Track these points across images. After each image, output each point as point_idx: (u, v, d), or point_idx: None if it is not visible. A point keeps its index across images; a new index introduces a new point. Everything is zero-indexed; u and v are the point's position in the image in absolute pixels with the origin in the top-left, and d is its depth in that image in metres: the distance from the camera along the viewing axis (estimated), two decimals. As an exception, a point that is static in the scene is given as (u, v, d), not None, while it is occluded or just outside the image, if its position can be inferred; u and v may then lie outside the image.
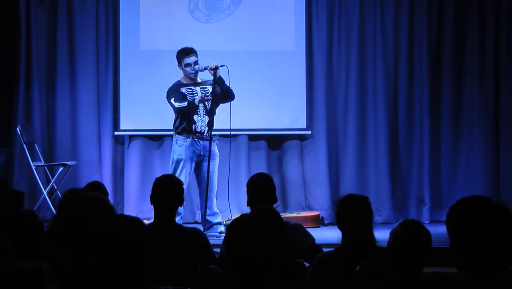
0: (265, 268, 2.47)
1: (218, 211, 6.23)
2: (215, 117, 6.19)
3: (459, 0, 7.25)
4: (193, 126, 6.11)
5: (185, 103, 6.06)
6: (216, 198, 6.29)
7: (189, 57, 6.13)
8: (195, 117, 6.12)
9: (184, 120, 6.16)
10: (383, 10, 7.24)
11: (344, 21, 7.26)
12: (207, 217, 6.10)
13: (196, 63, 6.14)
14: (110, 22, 7.22)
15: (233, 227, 2.55)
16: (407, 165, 7.25)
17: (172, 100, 6.13)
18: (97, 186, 4.66)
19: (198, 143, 6.12)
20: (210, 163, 6.07)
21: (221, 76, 6.06)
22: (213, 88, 6.08)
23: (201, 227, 6.01)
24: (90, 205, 2.82)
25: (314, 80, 7.25)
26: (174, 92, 6.18)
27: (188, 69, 6.14)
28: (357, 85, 7.22)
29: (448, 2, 7.25)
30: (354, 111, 7.22)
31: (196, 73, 6.17)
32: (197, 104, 6.05)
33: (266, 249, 2.47)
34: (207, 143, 6.08)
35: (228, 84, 6.11)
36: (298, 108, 7.23)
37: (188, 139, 6.13)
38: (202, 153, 6.12)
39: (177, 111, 6.13)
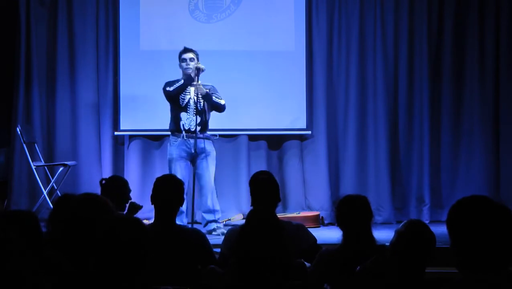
0: (268, 268, 2.48)
1: (217, 208, 6.26)
2: (211, 117, 6.28)
3: (459, 0, 7.25)
4: (181, 123, 6.14)
5: (180, 82, 6.14)
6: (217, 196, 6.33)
7: (186, 53, 6.20)
8: (183, 115, 6.15)
9: (174, 120, 6.23)
10: (383, 10, 7.24)
11: (344, 21, 7.26)
12: (203, 214, 6.23)
13: (191, 60, 6.18)
14: (110, 22, 7.22)
15: (231, 231, 2.56)
16: (407, 165, 7.25)
17: (166, 88, 6.21)
18: (118, 180, 4.68)
19: (188, 142, 6.14)
20: (203, 161, 6.16)
21: (210, 92, 6.15)
22: (198, 94, 6.11)
23: (201, 227, 6.03)
24: (88, 205, 2.82)
25: (314, 80, 7.25)
26: (169, 82, 6.24)
27: (183, 64, 6.19)
28: (357, 85, 7.22)
29: (448, 2, 7.25)
30: (354, 111, 7.22)
31: (189, 69, 6.17)
32: (192, 74, 6.09)
33: (267, 250, 2.48)
34: (199, 141, 6.13)
35: (218, 98, 6.19)
36: (298, 108, 7.22)
37: (178, 139, 6.17)
38: (193, 151, 6.14)
39: (173, 93, 6.15)
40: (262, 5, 7.27)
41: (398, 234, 2.81)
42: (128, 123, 7.20)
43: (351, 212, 3.34)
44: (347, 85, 7.26)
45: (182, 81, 6.15)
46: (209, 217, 6.23)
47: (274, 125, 7.22)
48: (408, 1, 7.23)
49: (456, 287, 2.06)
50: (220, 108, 6.23)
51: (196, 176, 6.17)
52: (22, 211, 2.82)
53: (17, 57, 7.15)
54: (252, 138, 7.28)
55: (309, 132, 7.25)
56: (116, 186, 4.55)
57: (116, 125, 7.21)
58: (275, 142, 7.34)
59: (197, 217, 6.98)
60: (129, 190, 4.65)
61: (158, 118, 7.02)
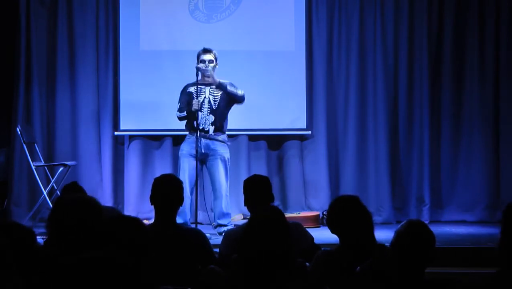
0: (271, 268, 2.48)
1: (229, 212, 6.29)
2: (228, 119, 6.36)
3: (459, 0, 7.25)
4: (194, 122, 6.16)
5: (184, 113, 6.21)
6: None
7: (206, 54, 6.21)
8: (198, 114, 6.17)
9: (190, 118, 6.24)
10: (383, 10, 7.24)
11: (344, 21, 7.26)
12: (216, 218, 6.27)
13: (211, 61, 6.20)
14: (110, 22, 7.22)
15: (231, 231, 2.57)
16: (407, 165, 7.25)
17: (177, 110, 6.28)
18: (77, 188, 4.63)
19: (200, 141, 6.14)
20: (213, 162, 6.20)
21: (222, 81, 6.18)
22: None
23: (202, 227, 6.04)
24: (81, 206, 2.83)
25: (314, 80, 7.25)
26: (182, 94, 6.30)
27: (201, 65, 6.19)
28: (357, 85, 7.22)
29: (448, 2, 7.25)
30: (354, 111, 7.22)
31: (208, 71, 6.20)
32: (192, 110, 6.14)
33: (273, 249, 2.49)
34: (210, 142, 6.17)
35: (234, 88, 6.23)
36: (298, 108, 7.22)
37: (192, 136, 6.19)
38: (204, 152, 6.15)
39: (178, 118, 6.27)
40: (262, 5, 7.27)
41: (397, 234, 2.81)
42: (128, 123, 7.20)
43: (343, 214, 3.28)
44: (347, 85, 7.26)
45: (185, 113, 6.18)
46: (221, 221, 6.24)
47: (274, 125, 7.22)
48: (408, 1, 7.23)
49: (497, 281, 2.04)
50: (238, 99, 6.26)
51: (209, 178, 6.25)
52: (17, 227, 2.72)
53: (17, 57, 7.16)
54: (252, 138, 7.28)
55: (309, 132, 7.25)
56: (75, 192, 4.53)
57: (116, 125, 7.21)
58: (275, 142, 7.34)
59: (200, 218, 6.98)
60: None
61: (158, 118, 7.03)
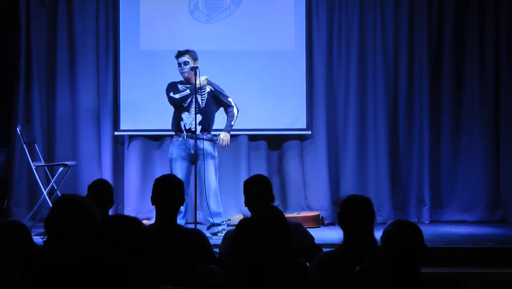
0: (271, 268, 2.48)
1: (220, 211, 6.27)
2: (216, 118, 6.31)
3: (459, 0, 7.26)
4: (182, 123, 6.17)
5: (187, 92, 6.13)
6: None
7: (180, 57, 6.21)
8: (185, 115, 6.16)
9: (176, 119, 6.25)
10: (383, 10, 7.24)
11: (344, 21, 7.27)
12: (207, 217, 6.26)
13: (186, 63, 6.19)
14: (110, 22, 7.23)
15: (241, 228, 2.57)
16: (407, 165, 7.25)
17: (171, 94, 6.21)
18: (103, 184, 4.70)
19: (188, 142, 6.14)
20: (203, 163, 6.16)
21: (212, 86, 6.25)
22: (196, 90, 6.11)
23: (201, 227, 6.04)
24: (79, 206, 2.83)
25: (314, 80, 7.26)
26: (172, 87, 6.26)
27: (179, 68, 6.21)
28: (357, 85, 7.23)
29: (448, 2, 7.25)
30: (354, 111, 7.22)
31: (186, 73, 6.19)
32: (187, 75, 6.14)
33: (273, 249, 2.49)
34: (199, 142, 6.13)
35: (232, 116, 6.31)
36: (298, 108, 7.22)
37: (179, 138, 6.19)
38: (192, 152, 6.13)
39: (178, 102, 6.17)
40: (262, 5, 7.27)
41: (384, 235, 2.79)
42: (128, 123, 7.21)
43: (354, 212, 3.33)
44: (347, 85, 7.26)
45: (188, 91, 6.12)
46: (214, 220, 6.24)
47: (274, 125, 7.22)
48: (408, 1, 7.23)
49: None
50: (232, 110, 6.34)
51: (198, 178, 6.19)
52: (12, 222, 2.73)
53: (17, 57, 7.16)
54: (252, 138, 7.28)
55: (309, 132, 7.25)
56: (104, 190, 4.58)
57: (116, 125, 7.22)
58: (275, 142, 7.34)
59: (200, 218, 6.98)
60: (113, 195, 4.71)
61: (158, 118, 7.03)
